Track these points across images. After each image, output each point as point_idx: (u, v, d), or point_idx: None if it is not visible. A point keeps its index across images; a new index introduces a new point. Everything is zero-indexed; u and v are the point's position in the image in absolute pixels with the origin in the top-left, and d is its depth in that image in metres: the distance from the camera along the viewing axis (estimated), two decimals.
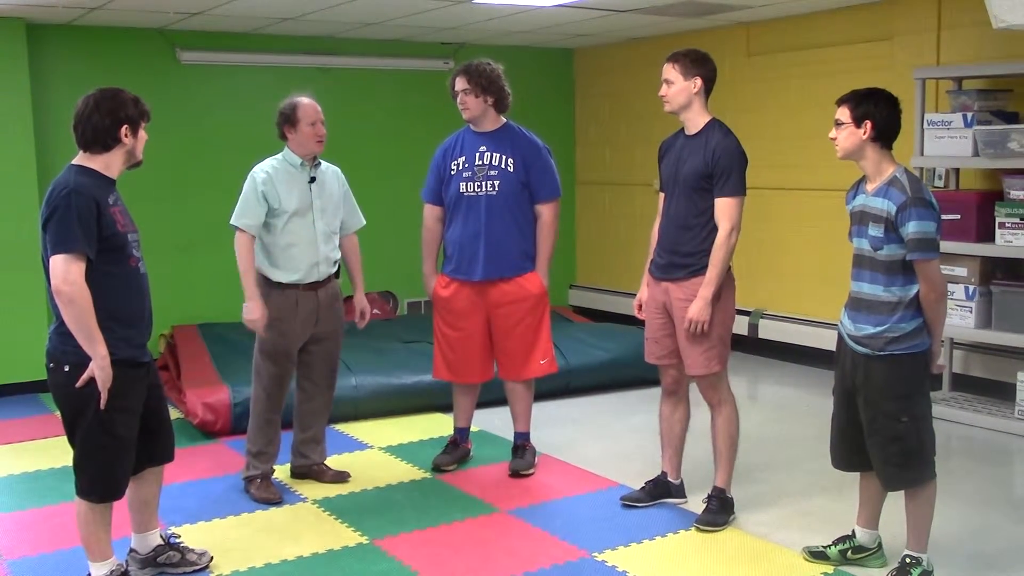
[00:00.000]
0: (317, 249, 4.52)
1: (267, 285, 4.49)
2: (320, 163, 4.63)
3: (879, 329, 3.45)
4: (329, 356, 4.70)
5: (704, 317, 3.99)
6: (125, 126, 3.37)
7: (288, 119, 4.52)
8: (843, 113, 3.48)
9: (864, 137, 3.45)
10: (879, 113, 3.43)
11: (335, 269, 4.66)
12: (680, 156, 4.11)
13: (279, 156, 4.57)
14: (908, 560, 3.55)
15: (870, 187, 3.51)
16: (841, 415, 3.67)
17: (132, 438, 3.41)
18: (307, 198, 4.51)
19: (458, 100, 4.67)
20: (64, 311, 3.22)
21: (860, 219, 3.52)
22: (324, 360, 4.68)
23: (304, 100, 4.56)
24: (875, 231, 3.44)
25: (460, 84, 4.65)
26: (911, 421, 3.46)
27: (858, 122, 3.44)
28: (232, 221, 4.46)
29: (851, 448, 3.65)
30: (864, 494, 3.75)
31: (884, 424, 3.48)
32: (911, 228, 3.35)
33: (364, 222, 4.83)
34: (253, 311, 4.38)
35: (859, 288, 3.54)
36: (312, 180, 4.54)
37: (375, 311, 8.00)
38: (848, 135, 3.47)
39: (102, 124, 3.35)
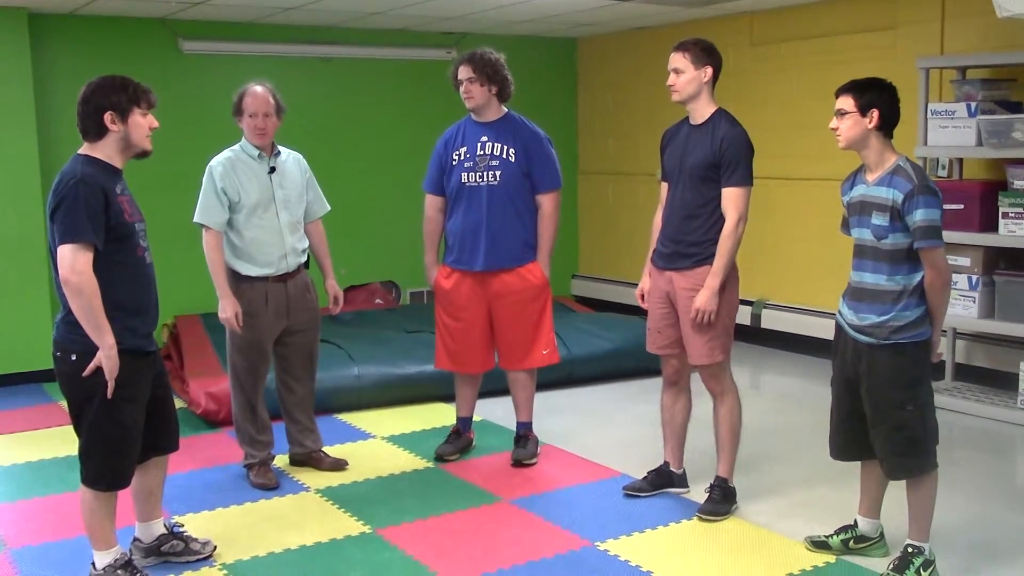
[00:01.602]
0: (283, 240, 4.49)
1: (236, 279, 4.45)
2: (280, 152, 4.57)
3: (884, 318, 3.45)
4: (305, 348, 4.68)
5: (711, 307, 3.99)
6: (109, 113, 3.33)
7: (236, 108, 4.47)
8: (846, 102, 3.46)
9: (870, 126, 3.43)
10: (884, 102, 3.43)
11: (304, 259, 4.63)
12: (686, 145, 4.10)
13: (236, 147, 4.52)
14: (910, 550, 3.56)
15: (871, 177, 3.50)
16: (841, 405, 3.67)
17: (138, 427, 3.42)
18: (268, 189, 4.46)
19: (462, 89, 4.65)
20: (72, 301, 3.22)
21: (861, 209, 3.51)
22: (301, 352, 4.67)
23: (255, 89, 4.48)
24: (879, 220, 3.43)
25: (464, 73, 4.63)
26: (916, 409, 3.46)
27: (863, 111, 3.43)
28: (196, 219, 4.42)
29: (851, 438, 3.65)
30: (865, 483, 3.76)
31: (889, 413, 3.47)
32: (919, 216, 3.35)
33: (329, 208, 4.78)
34: (226, 309, 4.37)
35: (860, 278, 3.53)
36: (272, 170, 4.49)
37: (378, 300, 8.02)
38: (852, 124, 3.45)
39: (85, 112, 3.34)
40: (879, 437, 3.52)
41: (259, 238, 4.44)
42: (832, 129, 3.52)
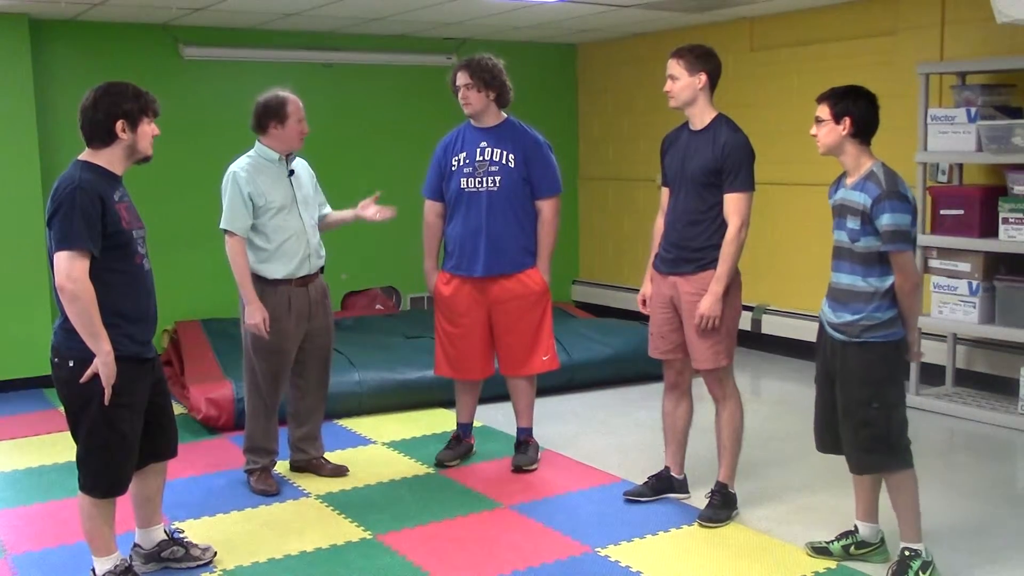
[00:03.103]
0: (307, 241, 4.52)
1: (260, 284, 4.46)
2: (294, 156, 4.61)
3: (856, 317, 3.53)
4: (322, 352, 4.70)
5: (716, 312, 4.00)
6: (121, 121, 3.33)
7: (276, 114, 4.45)
8: (823, 110, 3.57)
9: (843, 133, 3.53)
10: (857, 110, 3.52)
11: (322, 263, 4.66)
12: (686, 151, 4.11)
13: (252, 153, 4.53)
14: (907, 553, 3.57)
15: (849, 181, 3.59)
16: (821, 400, 3.75)
17: (136, 434, 3.41)
18: (289, 192, 4.51)
19: (460, 95, 4.66)
20: (68, 308, 3.22)
21: (840, 212, 3.61)
22: (317, 357, 4.69)
23: (290, 95, 4.52)
24: (852, 224, 3.52)
25: (462, 79, 4.63)
26: (881, 408, 3.53)
27: (837, 118, 3.53)
28: (223, 225, 4.43)
29: (831, 432, 3.72)
30: (858, 487, 3.78)
31: (855, 409, 3.56)
32: (885, 220, 3.42)
33: (330, 210, 4.85)
34: (255, 315, 4.37)
35: (838, 279, 3.61)
36: (291, 173, 4.54)
37: (378, 306, 8.01)
38: (828, 131, 3.56)
39: (96, 119, 3.33)
40: (846, 432, 3.61)
41: (285, 239, 4.47)
42: (812, 135, 3.62)
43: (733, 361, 4.17)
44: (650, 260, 4.31)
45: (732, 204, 4.01)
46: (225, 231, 4.43)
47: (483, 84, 4.60)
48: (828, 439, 3.74)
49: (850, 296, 3.55)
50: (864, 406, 3.54)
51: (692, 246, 4.09)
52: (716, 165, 4.01)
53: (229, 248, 4.42)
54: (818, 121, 3.58)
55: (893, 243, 3.43)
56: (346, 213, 4.79)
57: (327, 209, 4.82)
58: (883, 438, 3.54)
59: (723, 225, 4.03)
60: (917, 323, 3.62)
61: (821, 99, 3.59)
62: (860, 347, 3.54)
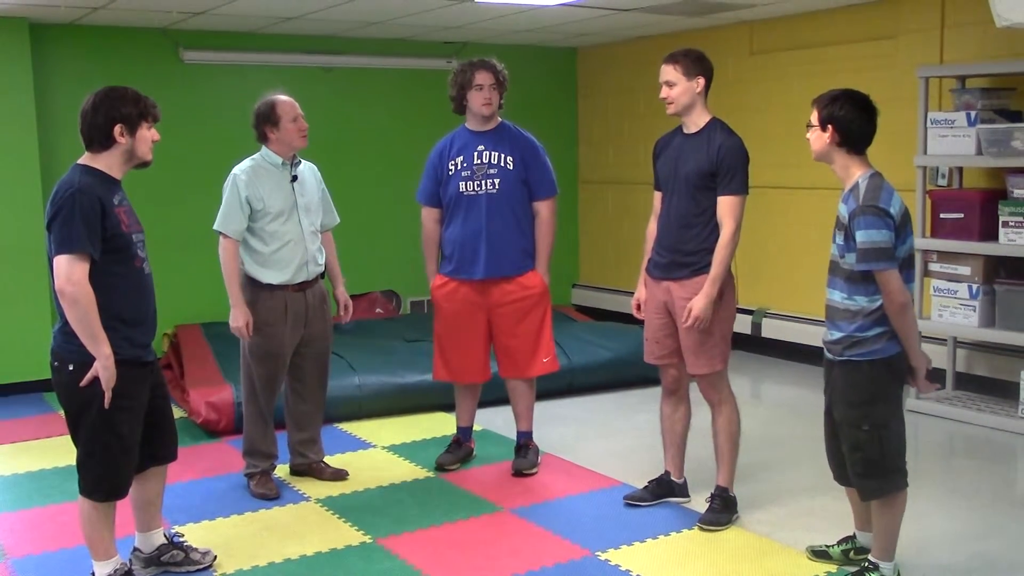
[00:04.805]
0: (305, 248, 4.51)
1: (256, 288, 4.47)
2: (300, 161, 4.61)
3: (841, 335, 3.41)
4: (320, 357, 4.70)
5: (707, 314, 3.99)
6: (119, 126, 3.34)
7: (268, 118, 4.47)
8: (813, 115, 3.43)
9: (828, 141, 3.39)
10: (843, 116, 3.34)
11: (322, 269, 4.65)
12: (680, 155, 4.10)
13: (256, 157, 4.53)
14: (867, 564, 3.54)
15: (843, 192, 3.45)
16: (827, 428, 3.62)
17: (135, 437, 3.41)
18: (291, 197, 4.50)
19: (483, 94, 4.60)
20: (67, 311, 3.22)
21: (835, 225, 3.47)
22: (315, 362, 4.69)
23: (281, 97, 4.53)
24: (839, 238, 3.40)
25: (488, 79, 4.61)
26: (872, 430, 3.38)
27: (823, 125, 3.39)
28: (216, 227, 4.44)
29: (839, 460, 3.58)
30: (852, 498, 3.72)
31: (847, 432, 3.44)
32: (858, 237, 3.27)
33: (338, 220, 4.83)
34: (238, 318, 4.39)
35: (830, 295, 3.48)
36: (294, 179, 4.53)
37: (378, 310, 8.01)
38: (816, 138, 3.43)
39: (95, 123, 3.34)
40: (846, 456, 3.48)
41: (283, 245, 4.46)
42: (807, 139, 3.49)
43: (727, 366, 4.16)
44: (643, 264, 4.30)
45: (726, 207, 4.00)
46: (218, 232, 4.44)
47: (503, 87, 4.66)
48: (837, 468, 3.61)
49: (837, 313, 3.42)
50: (854, 428, 3.40)
51: (685, 250, 4.08)
52: (711, 168, 4.00)
53: (221, 249, 4.43)
54: (809, 126, 3.45)
55: (866, 262, 3.26)
56: (336, 279, 4.78)
57: (331, 221, 4.78)
58: (877, 462, 3.40)
59: (716, 228, 4.02)
60: (916, 347, 3.38)
61: (814, 102, 3.45)
62: (845, 366, 3.41)
